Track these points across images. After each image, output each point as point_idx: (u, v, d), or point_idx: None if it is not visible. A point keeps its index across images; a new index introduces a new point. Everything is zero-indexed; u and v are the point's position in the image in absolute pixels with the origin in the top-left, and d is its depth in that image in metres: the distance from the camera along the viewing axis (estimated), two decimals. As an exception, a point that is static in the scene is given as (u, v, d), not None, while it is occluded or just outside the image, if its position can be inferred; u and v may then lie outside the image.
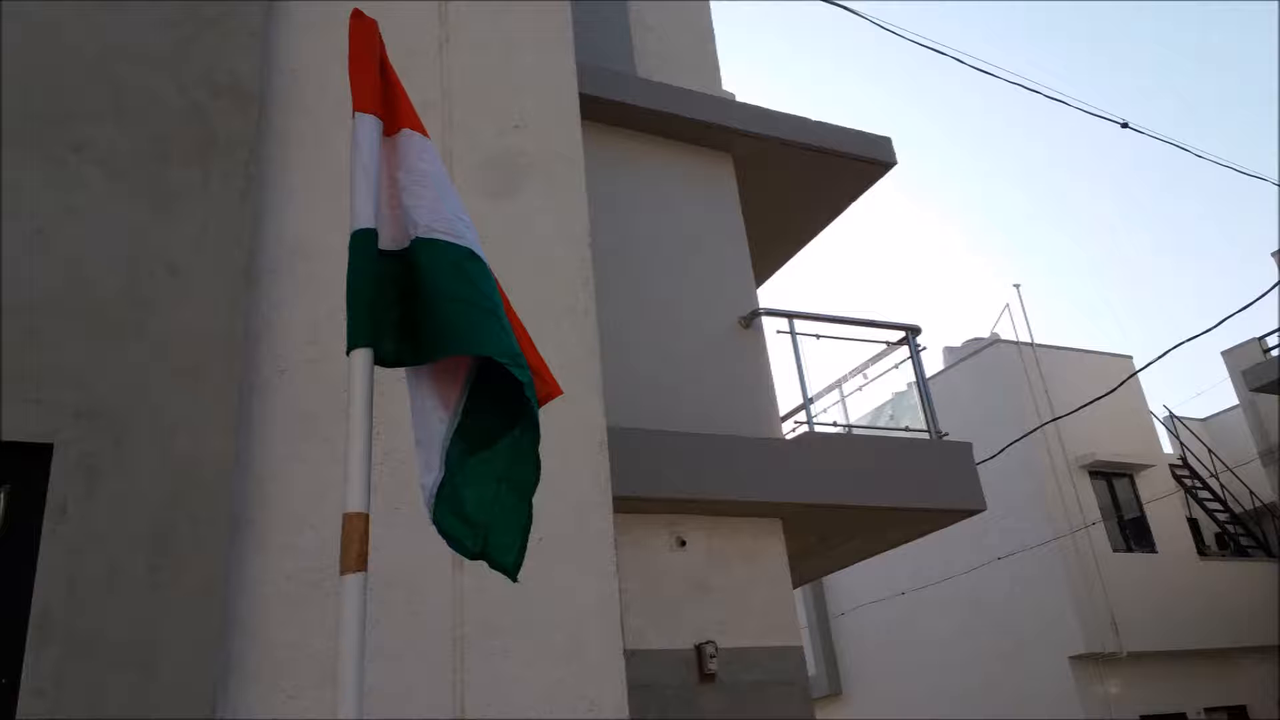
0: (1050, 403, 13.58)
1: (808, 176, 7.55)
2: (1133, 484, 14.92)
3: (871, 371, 7.66)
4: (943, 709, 14.23)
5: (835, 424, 7.61)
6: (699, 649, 5.47)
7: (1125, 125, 7.95)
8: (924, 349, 7.12)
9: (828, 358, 16.71)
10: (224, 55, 3.54)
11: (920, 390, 7.06)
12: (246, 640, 2.95)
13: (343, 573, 1.79)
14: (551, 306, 3.85)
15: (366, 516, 1.83)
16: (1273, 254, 15.59)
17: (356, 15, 2.20)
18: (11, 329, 2.87)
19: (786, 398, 6.81)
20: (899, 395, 8.06)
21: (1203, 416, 19.00)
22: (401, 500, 3.18)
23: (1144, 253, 57.08)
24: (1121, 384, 11.99)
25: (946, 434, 6.94)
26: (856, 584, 15.80)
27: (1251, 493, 16.83)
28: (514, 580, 1.97)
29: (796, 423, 7.28)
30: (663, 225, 6.67)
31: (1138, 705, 13.10)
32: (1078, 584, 13.15)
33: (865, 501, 6.11)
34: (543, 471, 1.97)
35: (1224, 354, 16.55)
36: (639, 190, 6.67)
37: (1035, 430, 12.76)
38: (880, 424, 8.13)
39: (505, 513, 1.96)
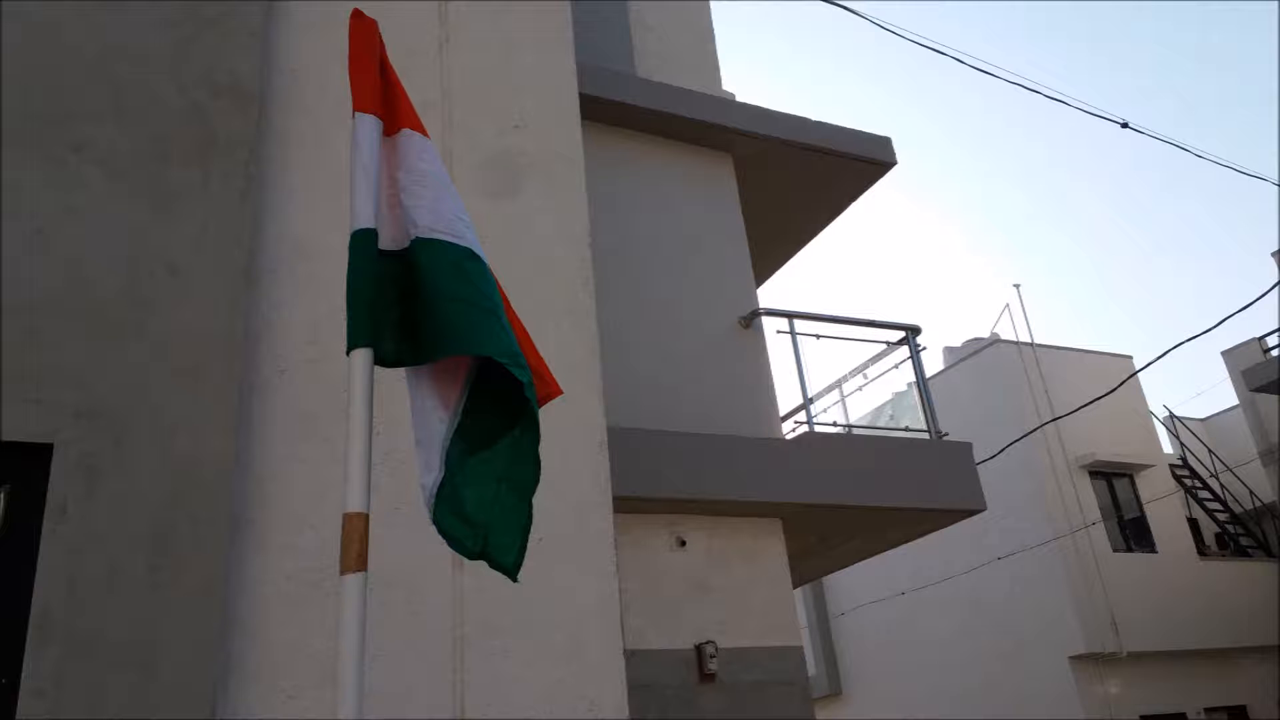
0: (1050, 403, 13.58)
1: (808, 176, 7.55)
2: (1133, 484, 14.92)
3: (871, 371, 7.67)
4: (943, 709, 14.23)
5: (835, 424, 7.61)
6: (699, 649, 5.47)
7: (1125, 125, 7.95)
8: (924, 349, 7.13)
9: (828, 358, 16.72)
10: (224, 55, 3.54)
11: (920, 390, 7.06)
12: (246, 640, 2.95)
13: (343, 573, 1.79)
14: (551, 306, 3.85)
15: (366, 516, 1.83)
16: (1273, 254, 15.59)
17: (356, 15, 2.20)
18: (11, 329, 2.87)
19: (786, 398, 6.82)
20: (899, 395, 8.06)
21: (1203, 416, 19.01)
22: (401, 500, 3.18)
23: (1144, 253, 57.12)
24: (1121, 384, 11.99)
25: (946, 434, 6.94)
26: (856, 584, 15.80)
27: (1251, 493, 16.83)
28: (514, 580, 1.97)
29: (796, 423, 7.29)
30: (663, 225, 6.67)
31: (1138, 705, 13.10)
32: (1078, 584, 13.15)
33: (865, 501, 6.11)
34: (543, 471, 1.97)
35: (1224, 354, 16.56)
36: (639, 190, 6.67)
37: (1035, 430, 12.76)
38: (880, 424, 8.13)
39: (505, 513, 1.96)
